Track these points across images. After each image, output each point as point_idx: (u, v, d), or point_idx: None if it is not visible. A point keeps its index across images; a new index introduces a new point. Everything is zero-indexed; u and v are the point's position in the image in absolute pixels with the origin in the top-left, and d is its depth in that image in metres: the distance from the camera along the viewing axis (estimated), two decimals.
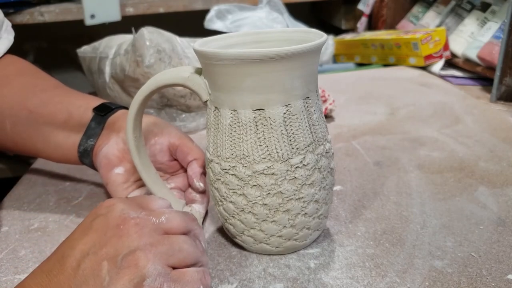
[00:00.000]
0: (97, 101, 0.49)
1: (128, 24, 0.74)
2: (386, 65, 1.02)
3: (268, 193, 0.36)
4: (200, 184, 0.44)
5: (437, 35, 0.91)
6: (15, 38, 0.55)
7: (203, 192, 0.46)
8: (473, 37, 0.88)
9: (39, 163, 0.61)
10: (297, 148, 0.36)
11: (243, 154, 0.36)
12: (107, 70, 0.69)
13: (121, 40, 0.70)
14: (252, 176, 0.36)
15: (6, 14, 0.96)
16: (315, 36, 0.37)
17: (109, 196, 0.51)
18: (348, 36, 1.12)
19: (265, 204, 0.37)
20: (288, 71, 0.34)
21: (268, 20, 0.89)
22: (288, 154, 0.36)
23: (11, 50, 0.54)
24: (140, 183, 0.46)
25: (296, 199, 0.37)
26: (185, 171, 0.47)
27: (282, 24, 0.90)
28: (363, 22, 1.15)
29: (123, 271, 0.28)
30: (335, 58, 1.11)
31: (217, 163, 0.37)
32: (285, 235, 0.38)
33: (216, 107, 0.37)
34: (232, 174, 0.37)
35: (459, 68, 0.91)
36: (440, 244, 0.41)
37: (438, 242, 0.41)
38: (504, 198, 0.47)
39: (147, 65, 0.61)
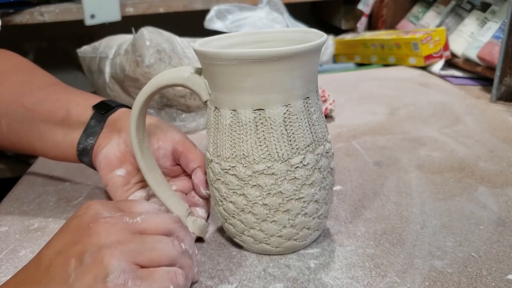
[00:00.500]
0: (96, 99, 0.48)
1: (128, 24, 0.74)
2: (386, 65, 1.02)
3: (268, 193, 0.36)
4: (206, 192, 0.44)
5: (437, 35, 0.91)
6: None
7: (207, 198, 0.46)
8: (473, 37, 0.88)
9: (39, 163, 0.61)
10: (297, 148, 0.36)
11: (243, 154, 0.36)
12: (107, 70, 0.69)
13: (121, 40, 0.70)
14: (252, 176, 0.36)
15: (6, 14, 0.96)
16: (315, 36, 0.37)
17: (108, 196, 0.51)
18: (348, 36, 1.12)
19: (265, 204, 0.37)
20: (288, 71, 0.34)
21: (268, 20, 0.89)
22: (288, 154, 0.36)
23: (11, 49, 0.54)
24: (141, 184, 0.46)
25: (296, 199, 0.37)
26: (187, 174, 0.46)
27: (282, 24, 0.90)
28: (363, 22, 1.15)
29: (88, 268, 0.29)
30: (335, 58, 1.11)
31: (217, 163, 0.37)
32: (285, 235, 0.38)
33: (216, 107, 0.36)
34: (232, 174, 0.37)
35: (459, 68, 0.91)
36: (440, 244, 0.41)
37: (438, 242, 0.41)
38: (504, 198, 0.47)
39: (147, 65, 0.61)
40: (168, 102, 0.66)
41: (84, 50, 0.75)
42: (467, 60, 0.88)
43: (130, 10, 1.02)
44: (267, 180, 0.36)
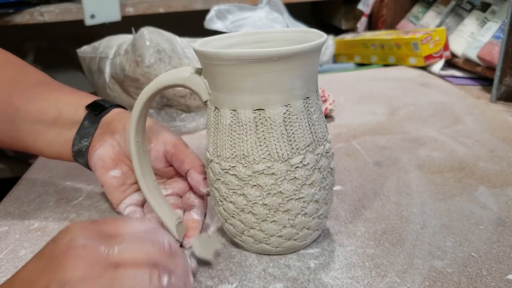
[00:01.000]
0: (88, 98, 0.47)
1: (128, 24, 0.74)
2: (386, 65, 1.02)
3: (268, 193, 0.36)
4: (207, 189, 0.43)
5: (437, 35, 0.91)
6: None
7: (202, 198, 0.46)
8: (473, 37, 0.88)
9: (39, 163, 0.61)
10: (297, 148, 0.36)
11: (243, 154, 0.36)
12: (107, 70, 0.69)
13: (121, 40, 0.70)
14: (252, 176, 0.36)
15: (6, 14, 0.96)
16: (315, 36, 0.37)
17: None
18: (348, 36, 1.12)
19: (265, 204, 0.37)
20: (288, 71, 0.34)
21: (268, 20, 0.89)
22: (288, 154, 0.36)
23: (11, 49, 0.53)
24: (137, 186, 0.45)
25: (296, 199, 0.37)
26: (181, 176, 0.46)
27: (282, 24, 0.90)
28: (363, 22, 1.15)
29: None
30: (335, 58, 1.11)
31: (217, 163, 0.37)
32: (285, 235, 0.38)
33: (216, 107, 0.36)
34: (232, 174, 0.37)
35: (459, 68, 0.91)
36: (440, 244, 0.41)
37: (438, 242, 0.41)
38: (504, 198, 0.47)
39: (147, 65, 0.61)
40: (168, 102, 0.66)
41: (84, 50, 0.75)
42: (467, 60, 0.88)
43: (130, 10, 1.02)
44: (267, 180, 0.36)
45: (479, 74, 0.85)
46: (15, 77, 0.48)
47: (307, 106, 0.36)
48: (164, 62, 0.62)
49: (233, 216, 0.39)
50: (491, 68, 0.79)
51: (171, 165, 0.46)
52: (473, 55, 0.85)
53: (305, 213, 0.38)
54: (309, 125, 0.36)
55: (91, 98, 0.47)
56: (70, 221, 0.47)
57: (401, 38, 0.95)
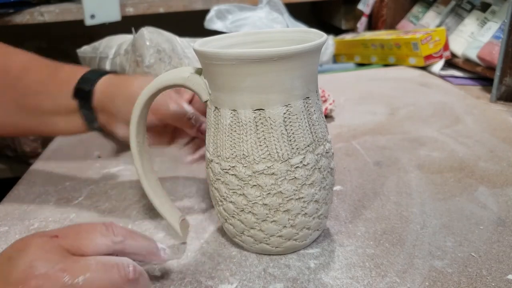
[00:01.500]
0: (69, 83, 0.45)
1: (128, 24, 0.74)
2: (386, 65, 1.02)
3: (268, 193, 0.36)
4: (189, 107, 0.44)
5: (437, 35, 0.91)
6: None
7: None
8: (473, 37, 0.88)
9: (39, 163, 0.61)
10: (297, 148, 0.36)
11: (243, 154, 0.36)
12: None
13: (121, 40, 0.70)
14: (252, 176, 0.36)
15: (6, 14, 0.96)
16: (315, 36, 0.37)
17: (107, 197, 0.51)
18: (348, 36, 1.12)
19: (265, 204, 0.37)
20: (288, 71, 0.34)
21: (268, 20, 0.89)
22: (288, 154, 0.36)
23: None
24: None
25: (296, 199, 0.37)
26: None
27: (282, 24, 0.90)
28: (363, 22, 1.15)
29: None
30: (335, 58, 1.11)
31: (217, 163, 0.37)
32: (285, 235, 0.38)
33: (216, 107, 0.36)
34: (232, 174, 0.37)
35: (459, 68, 0.91)
36: (440, 244, 0.41)
37: (438, 242, 0.41)
38: (504, 198, 0.47)
39: (147, 65, 0.61)
40: None
41: (84, 50, 0.75)
42: (467, 60, 0.88)
43: (130, 10, 1.02)
44: (267, 180, 0.36)
45: (479, 74, 0.85)
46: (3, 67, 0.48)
47: (307, 106, 0.36)
48: (164, 62, 0.62)
49: (233, 216, 0.39)
50: (491, 68, 0.79)
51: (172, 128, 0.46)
52: (473, 55, 0.85)
53: (305, 213, 0.38)
54: (309, 125, 0.36)
55: (71, 83, 0.45)
56: (70, 221, 0.47)
57: (401, 38, 0.95)
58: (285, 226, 0.38)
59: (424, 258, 0.39)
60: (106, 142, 0.66)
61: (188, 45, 0.65)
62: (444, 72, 0.91)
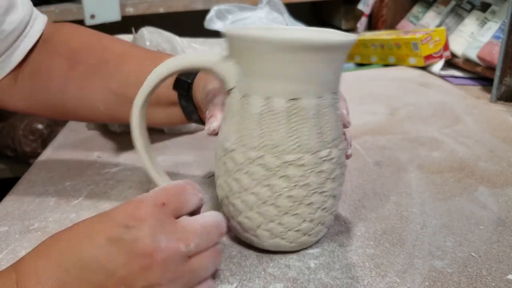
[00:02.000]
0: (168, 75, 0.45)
1: (128, 24, 0.74)
2: (386, 65, 1.02)
3: (295, 185, 0.36)
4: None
5: (437, 35, 0.91)
6: None
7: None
8: (473, 37, 0.88)
9: (39, 163, 0.61)
10: (325, 142, 0.36)
11: (273, 144, 0.35)
12: None
13: None
14: (281, 166, 0.35)
15: None
16: (336, 36, 0.38)
17: (106, 196, 0.51)
18: None
19: (290, 196, 0.36)
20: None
21: (268, 20, 0.89)
22: (317, 147, 0.35)
23: None
24: None
25: (320, 192, 0.37)
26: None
27: (282, 24, 0.90)
28: (363, 22, 1.15)
29: None
30: None
31: (241, 152, 0.36)
32: (302, 229, 0.38)
33: (243, 95, 0.36)
34: (259, 164, 0.36)
35: (459, 68, 0.91)
36: (440, 244, 0.41)
37: (438, 242, 0.41)
38: (504, 198, 0.47)
39: None
40: None
41: None
42: (467, 60, 0.88)
43: (130, 10, 1.02)
44: (296, 171, 0.35)
45: (479, 74, 0.85)
46: (101, 58, 0.49)
47: (335, 101, 0.36)
48: None
49: (251, 209, 0.37)
50: (491, 68, 0.79)
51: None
52: (473, 55, 0.85)
53: (324, 208, 0.38)
54: (335, 120, 0.37)
55: (166, 73, 0.45)
56: (70, 221, 0.47)
57: (401, 38, 0.95)
58: (304, 220, 0.37)
59: (424, 258, 0.39)
60: (106, 142, 0.66)
61: (188, 45, 0.65)
62: (444, 72, 0.91)
